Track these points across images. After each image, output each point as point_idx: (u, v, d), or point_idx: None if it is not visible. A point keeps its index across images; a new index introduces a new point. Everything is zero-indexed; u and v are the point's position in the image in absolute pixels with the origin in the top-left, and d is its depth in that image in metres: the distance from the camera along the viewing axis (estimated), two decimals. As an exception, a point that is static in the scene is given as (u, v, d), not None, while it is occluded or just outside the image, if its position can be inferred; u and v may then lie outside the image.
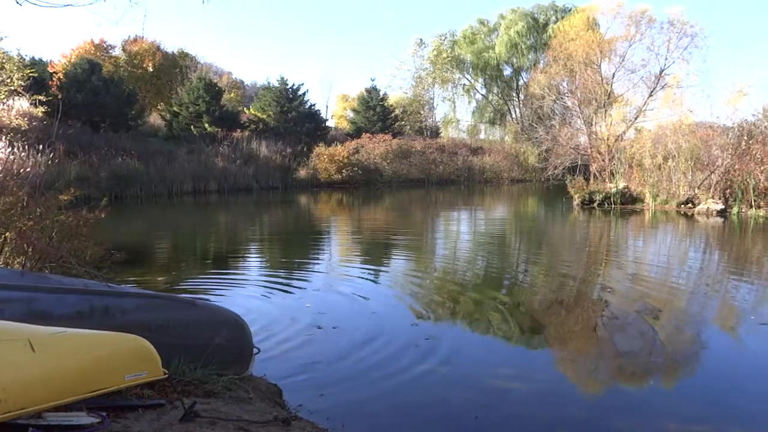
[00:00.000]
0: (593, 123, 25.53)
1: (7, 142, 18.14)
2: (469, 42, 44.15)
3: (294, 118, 35.69)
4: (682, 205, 18.54)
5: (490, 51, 43.61)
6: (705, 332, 6.02)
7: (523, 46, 42.45)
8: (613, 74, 26.19)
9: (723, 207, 17.48)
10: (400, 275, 9.11)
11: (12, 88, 19.28)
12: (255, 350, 4.04)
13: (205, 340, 3.65)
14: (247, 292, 7.64)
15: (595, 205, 20.17)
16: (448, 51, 44.68)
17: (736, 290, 7.90)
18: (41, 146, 20.29)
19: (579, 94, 25.76)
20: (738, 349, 5.53)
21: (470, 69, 45.24)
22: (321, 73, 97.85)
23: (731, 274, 9.12)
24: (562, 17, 39.47)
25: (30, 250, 5.66)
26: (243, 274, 9.37)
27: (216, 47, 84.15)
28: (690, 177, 19.13)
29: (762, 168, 17.38)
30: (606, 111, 25.05)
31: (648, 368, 4.98)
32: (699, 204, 18.14)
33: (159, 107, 36.88)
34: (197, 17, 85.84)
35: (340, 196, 27.11)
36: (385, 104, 41.22)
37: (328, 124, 42.20)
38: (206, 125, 32.27)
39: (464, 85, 46.31)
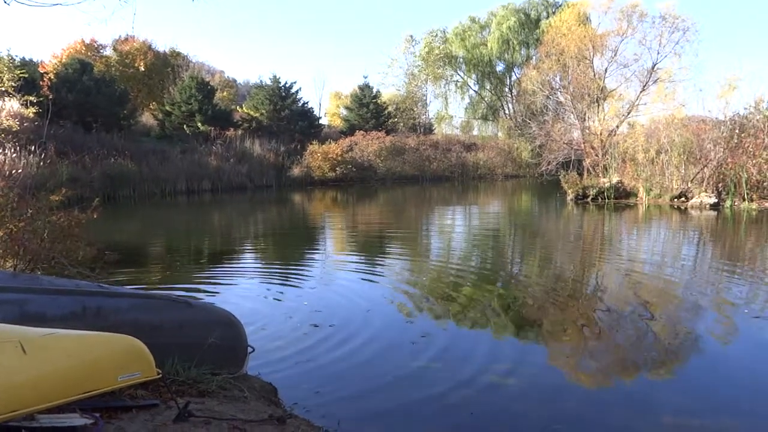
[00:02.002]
0: (586, 118, 25.59)
1: (-2, 144, 18.07)
2: (461, 39, 44.11)
3: (287, 117, 35.62)
4: (676, 199, 18.61)
5: (482, 47, 43.60)
6: (699, 325, 6.03)
7: (515, 42, 42.48)
8: (606, 69, 26.28)
9: (716, 200, 17.56)
10: (395, 272, 9.11)
11: (2, 89, 19.15)
12: (249, 349, 4.02)
13: (198, 340, 3.63)
14: (242, 291, 7.61)
15: (589, 199, 20.23)
16: (440, 47, 44.64)
17: (730, 283, 7.93)
18: (33, 147, 20.20)
19: (572, 90, 25.78)
20: (731, 342, 5.55)
21: (463, 65, 45.22)
22: (313, 70, 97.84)
23: (725, 268, 9.15)
24: (554, 13, 39.53)
25: (21, 251, 5.62)
26: (238, 272, 9.33)
27: (208, 46, 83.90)
28: (683, 171, 19.20)
29: (754, 161, 17.46)
30: (599, 106, 25.14)
31: (642, 362, 5.00)
32: (692, 198, 18.21)
33: (151, 107, 36.72)
34: (188, 16, 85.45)
35: (335, 194, 27.08)
36: (378, 101, 41.19)
37: (321, 122, 42.18)
38: (199, 124, 32.16)
39: (457, 81, 46.33)
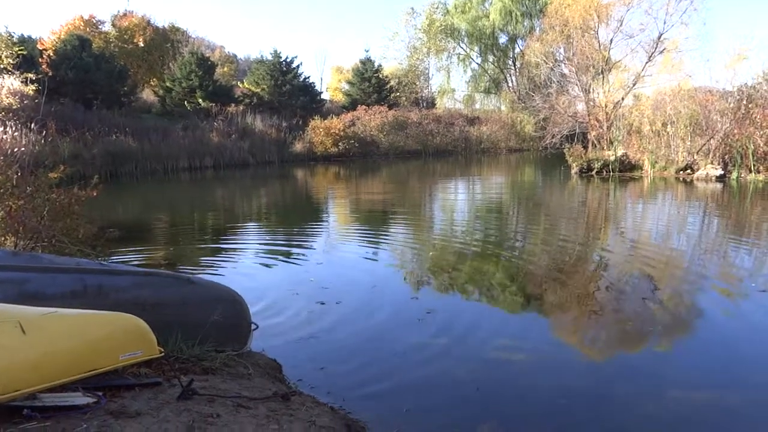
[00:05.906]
0: (591, 90, 25.23)
1: (-1, 121, 17.97)
2: (461, 11, 43.48)
3: (288, 92, 35.29)
4: (681, 172, 18.47)
5: (485, 19, 42.97)
6: (704, 299, 6.00)
7: (517, 14, 41.81)
8: (611, 40, 25.71)
9: (722, 172, 17.43)
10: (400, 247, 9.07)
11: (1, 66, 19.01)
12: (253, 326, 4.00)
13: (202, 317, 3.60)
14: (246, 268, 7.58)
15: (594, 173, 20.09)
16: (441, 20, 44.01)
17: (736, 256, 7.88)
18: (33, 125, 20.09)
19: (576, 61, 25.37)
20: (737, 315, 5.50)
21: (465, 38, 44.61)
22: (315, 45, 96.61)
23: (730, 240, 9.09)
24: (558, -17, 38.76)
25: (21, 229, 5.58)
26: (242, 249, 9.29)
27: (207, 21, 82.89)
28: (689, 143, 19.02)
29: (762, 132, 17.26)
30: (604, 77, 24.73)
31: (648, 335, 4.96)
32: (698, 170, 18.08)
33: (152, 83, 36.42)
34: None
35: (337, 169, 26.96)
36: (380, 75, 40.76)
37: (323, 97, 41.78)
38: (200, 100, 31.92)
39: (459, 54, 45.76)
